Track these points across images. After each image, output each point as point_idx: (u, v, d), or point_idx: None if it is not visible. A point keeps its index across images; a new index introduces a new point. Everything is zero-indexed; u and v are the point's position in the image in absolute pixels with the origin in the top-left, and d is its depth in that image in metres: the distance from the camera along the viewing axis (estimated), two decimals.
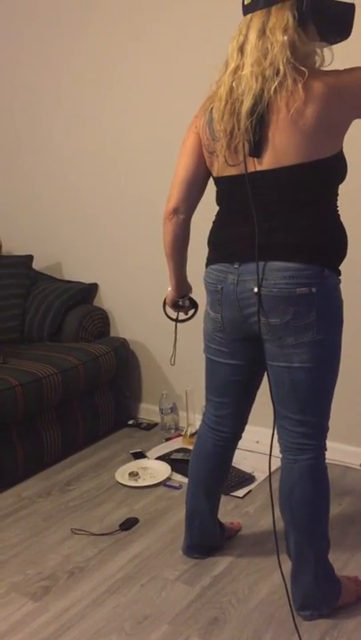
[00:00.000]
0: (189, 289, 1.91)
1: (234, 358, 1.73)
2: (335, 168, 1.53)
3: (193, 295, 1.93)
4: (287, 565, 1.71)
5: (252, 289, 1.55)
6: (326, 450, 1.67)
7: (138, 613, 1.78)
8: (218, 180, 1.64)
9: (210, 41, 2.34)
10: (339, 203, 1.59)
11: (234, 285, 1.60)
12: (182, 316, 1.96)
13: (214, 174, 1.64)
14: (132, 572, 1.96)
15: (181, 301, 1.92)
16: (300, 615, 1.70)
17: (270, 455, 1.65)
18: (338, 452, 2.51)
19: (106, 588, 1.89)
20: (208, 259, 1.70)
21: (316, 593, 1.69)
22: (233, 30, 1.53)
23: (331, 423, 2.47)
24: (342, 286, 1.60)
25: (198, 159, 1.66)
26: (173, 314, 1.97)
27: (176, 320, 1.97)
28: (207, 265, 1.70)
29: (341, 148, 1.52)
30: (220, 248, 1.66)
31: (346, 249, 1.61)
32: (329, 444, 2.45)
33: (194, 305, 1.95)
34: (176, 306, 1.93)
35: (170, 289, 1.90)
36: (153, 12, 2.66)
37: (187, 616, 1.76)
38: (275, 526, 1.65)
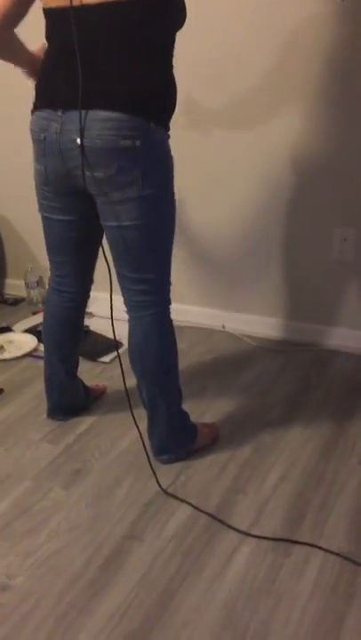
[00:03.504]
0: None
1: (65, 214, 1.66)
2: (171, 7, 1.42)
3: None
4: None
5: (75, 139, 1.45)
6: (170, 304, 1.69)
7: (1, 474, 1.80)
8: (45, 12, 1.48)
9: None
10: None
11: (57, 135, 1.49)
12: None
13: (42, 5, 1.47)
14: None
15: None
16: (158, 460, 1.80)
17: (112, 317, 1.66)
18: (201, 315, 2.60)
19: None
20: (33, 105, 1.56)
21: (170, 438, 1.79)
22: None
23: (193, 288, 2.54)
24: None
25: None
26: None
27: None
28: (32, 112, 1.56)
29: None
30: (44, 93, 1.53)
31: (175, 103, 1.53)
32: (193, 308, 2.55)
33: None
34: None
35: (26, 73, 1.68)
36: None
37: (50, 471, 1.81)
38: (126, 388, 1.72)
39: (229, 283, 2.53)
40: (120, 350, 2.45)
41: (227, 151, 2.31)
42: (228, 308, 2.58)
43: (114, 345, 2.48)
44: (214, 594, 1.40)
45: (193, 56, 2.16)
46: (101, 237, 1.71)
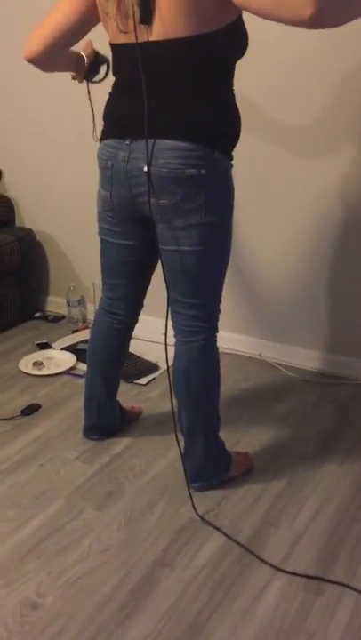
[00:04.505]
0: (89, 54, 1.70)
1: (126, 239, 1.70)
2: (230, 40, 1.46)
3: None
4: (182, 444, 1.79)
5: (143, 167, 1.51)
6: (218, 332, 1.72)
7: (35, 490, 1.82)
8: (112, 48, 1.54)
9: None
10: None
11: (124, 163, 1.54)
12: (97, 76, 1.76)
13: (109, 40, 1.53)
14: (31, 453, 1.99)
15: (89, 64, 1.70)
16: (191, 487, 1.80)
17: (165, 340, 1.67)
18: (239, 342, 2.60)
19: (4, 468, 1.92)
20: (102, 133, 1.62)
21: (206, 466, 1.78)
22: None
23: (233, 316, 2.55)
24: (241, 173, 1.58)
25: (85, 10, 1.51)
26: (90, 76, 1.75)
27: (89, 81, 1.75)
28: (100, 140, 1.63)
29: (239, 15, 1.45)
30: (113, 123, 1.58)
31: (238, 132, 1.58)
32: (231, 335, 2.56)
33: (104, 59, 1.72)
34: (90, 71, 1.73)
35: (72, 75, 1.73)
36: None
37: (83, 491, 1.82)
38: (173, 409, 1.72)
39: (270, 312, 2.53)
40: (158, 374, 2.47)
41: (279, 182, 2.33)
42: (266, 337, 2.58)
43: (151, 367, 2.50)
44: (244, 628, 1.38)
45: (257, 81, 2.20)
46: (157, 263, 1.74)
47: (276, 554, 1.58)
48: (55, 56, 1.58)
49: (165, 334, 1.66)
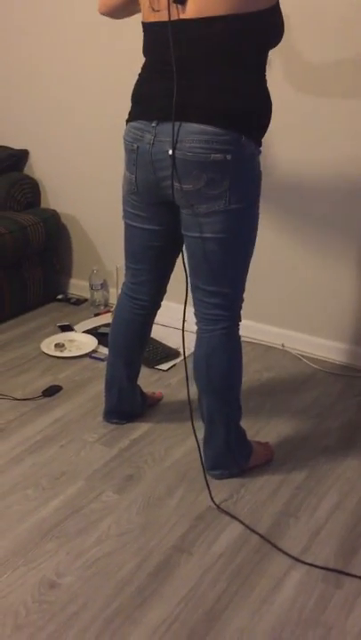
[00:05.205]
0: None
1: (150, 223, 1.68)
2: (267, 24, 1.43)
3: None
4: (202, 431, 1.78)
5: (167, 151, 1.48)
6: (241, 320, 1.69)
7: (55, 471, 1.83)
8: (143, 27, 1.51)
9: None
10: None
11: (150, 145, 1.52)
12: None
13: (141, 19, 1.50)
14: (52, 434, 2.00)
15: None
16: (211, 474, 1.79)
17: (183, 326, 1.66)
18: (262, 332, 2.58)
19: (25, 448, 1.92)
20: (129, 114, 1.59)
21: (226, 454, 1.77)
22: None
23: (256, 305, 2.52)
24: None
25: None
26: None
27: None
28: (127, 122, 1.60)
29: (277, 2, 1.41)
30: (140, 104, 1.56)
31: (269, 118, 1.54)
32: (254, 324, 2.54)
33: None
34: None
35: None
36: None
37: (103, 473, 1.82)
38: (189, 396, 1.72)
39: (294, 302, 2.51)
40: (179, 360, 2.46)
41: (308, 174, 2.30)
42: (289, 327, 2.55)
43: (173, 353, 2.49)
44: (262, 617, 1.38)
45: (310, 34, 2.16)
46: (181, 249, 1.72)
47: (295, 545, 1.57)
48: (122, 10, 1.61)
49: (183, 321, 1.65)
